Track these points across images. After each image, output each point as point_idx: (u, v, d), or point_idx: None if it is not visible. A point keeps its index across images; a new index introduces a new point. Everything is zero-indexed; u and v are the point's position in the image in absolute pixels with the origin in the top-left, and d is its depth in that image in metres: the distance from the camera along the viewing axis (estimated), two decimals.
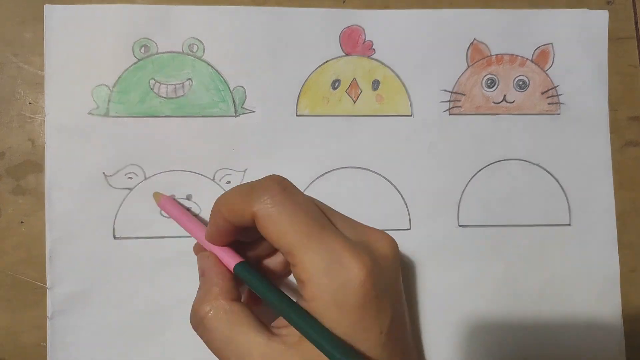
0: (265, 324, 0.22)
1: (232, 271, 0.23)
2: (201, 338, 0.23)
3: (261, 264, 0.26)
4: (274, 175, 0.22)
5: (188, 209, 0.29)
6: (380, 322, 0.21)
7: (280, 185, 0.22)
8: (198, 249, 0.26)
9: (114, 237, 0.29)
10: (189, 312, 0.29)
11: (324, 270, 0.20)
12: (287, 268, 0.25)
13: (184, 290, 0.29)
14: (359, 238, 0.22)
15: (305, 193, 0.29)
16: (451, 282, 0.30)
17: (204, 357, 0.28)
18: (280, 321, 0.22)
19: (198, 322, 0.23)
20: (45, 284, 0.29)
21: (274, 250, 0.25)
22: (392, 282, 0.22)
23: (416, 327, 0.30)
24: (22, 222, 0.29)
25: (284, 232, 0.21)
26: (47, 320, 0.28)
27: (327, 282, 0.20)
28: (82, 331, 0.28)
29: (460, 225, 0.30)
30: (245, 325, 0.22)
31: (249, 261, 0.24)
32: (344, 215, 0.23)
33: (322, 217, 0.22)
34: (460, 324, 0.30)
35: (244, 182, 0.30)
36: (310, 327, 0.20)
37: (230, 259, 0.23)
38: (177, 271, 0.29)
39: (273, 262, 0.25)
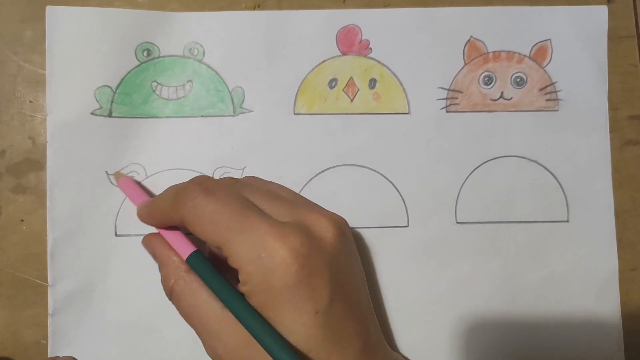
0: None
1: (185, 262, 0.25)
2: (177, 309, 0.25)
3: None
4: (197, 178, 0.25)
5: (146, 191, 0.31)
6: (316, 302, 0.22)
7: (201, 187, 0.24)
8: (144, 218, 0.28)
9: (116, 235, 0.30)
10: None
11: (250, 257, 0.22)
12: None
13: None
14: (296, 220, 0.23)
15: (303, 190, 0.31)
16: (449, 279, 0.31)
17: (203, 355, 0.30)
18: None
19: (169, 295, 0.25)
20: (46, 282, 0.30)
21: None
22: (332, 261, 0.23)
23: (413, 324, 0.31)
24: (22, 221, 0.30)
25: (209, 231, 0.23)
26: (49, 317, 0.30)
27: (254, 268, 0.22)
28: (83, 328, 0.30)
29: (458, 222, 0.31)
30: (204, 293, 0.24)
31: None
32: (288, 199, 0.25)
33: (247, 207, 0.23)
34: (458, 321, 0.31)
35: None
36: (254, 324, 0.22)
37: (183, 249, 0.25)
38: None
39: None
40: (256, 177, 0.30)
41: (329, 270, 0.23)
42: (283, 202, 0.25)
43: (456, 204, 0.32)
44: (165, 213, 0.25)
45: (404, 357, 0.30)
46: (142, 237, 0.30)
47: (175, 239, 0.26)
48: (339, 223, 0.25)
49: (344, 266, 0.24)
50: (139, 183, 0.30)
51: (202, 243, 0.25)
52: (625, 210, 0.32)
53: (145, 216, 0.27)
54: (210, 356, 0.24)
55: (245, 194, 0.25)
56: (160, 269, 0.26)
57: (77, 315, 0.30)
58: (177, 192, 0.25)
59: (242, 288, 0.23)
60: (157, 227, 0.27)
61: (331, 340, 0.22)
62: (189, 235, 0.26)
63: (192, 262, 0.25)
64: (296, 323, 0.22)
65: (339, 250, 0.24)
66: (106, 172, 0.31)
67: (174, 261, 0.25)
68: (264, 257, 0.22)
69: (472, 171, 0.32)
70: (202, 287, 0.24)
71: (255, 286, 0.22)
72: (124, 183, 0.30)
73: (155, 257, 0.27)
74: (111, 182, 0.31)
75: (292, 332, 0.22)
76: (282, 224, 0.23)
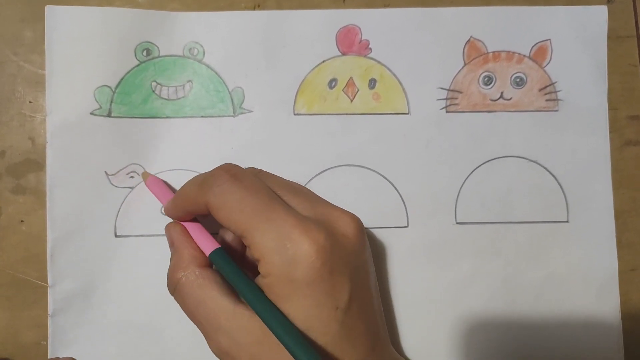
0: (235, 291, 0.24)
1: (207, 256, 0.25)
2: (178, 303, 0.25)
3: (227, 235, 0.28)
4: (224, 165, 0.25)
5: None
6: (336, 298, 0.22)
7: (228, 173, 0.24)
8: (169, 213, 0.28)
9: (115, 235, 0.30)
10: None
11: (274, 248, 0.22)
12: None
13: None
14: (318, 216, 0.24)
15: None
16: (449, 280, 0.31)
17: (204, 355, 0.30)
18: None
19: (173, 289, 0.25)
20: (46, 283, 0.30)
21: None
22: (352, 259, 0.23)
23: (413, 325, 0.31)
24: (22, 221, 0.30)
25: (234, 217, 0.23)
26: (48, 318, 0.30)
27: (278, 259, 0.22)
28: (83, 329, 0.30)
29: (457, 223, 0.31)
30: (215, 290, 0.24)
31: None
32: (308, 195, 0.25)
33: (272, 198, 0.23)
34: (458, 321, 0.31)
35: None
36: (275, 322, 0.22)
37: (206, 245, 0.25)
38: None
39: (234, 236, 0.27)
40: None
41: (350, 267, 0.23)
42: (306, 197, 0.25)
43: (456, 205, 0.32)
44: (191, 199, 0.25)
45: (405, 358, 0.30)
46: (141, 237, 0.31)
47: (199, 233, 0.26)
48: (359, 222, 0.25)
49: (362, 264, 0.24)
50: (166, 183, 0.30)
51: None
52: (625, 211, 0.32)
53: (171, 207, 0.27)
54: (214, 351, 0.24)
55: (270, 185, 0.25)
56: (172, 258, 0.26)
57: (77, 316, 0.30)
58: (204, 178, 0.24)
59: (262, 280, 0.23)
60: (182, 219, 0.27)
61: (346, 336, 0.23)
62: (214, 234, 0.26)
63: (216, 258, 0.25)
64: (315, 318, 0.22)
65: (358, 248, 0.24)
66: (106, 172, 0.31)
67: (189, 253, 0.25)
68: (289, 249, 0.22)
69: (472, 171, 0.32)
70: (213, 283, 0.24)
71: (277, 277, 0.22)
72: (151, 182, 0.30)
73: (171, 245, 0.26)
74: (111, 183, 0.31)
75: (310, 327, 0.22)
76: (307, 218, 0.23)
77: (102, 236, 0.30)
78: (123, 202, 0.31)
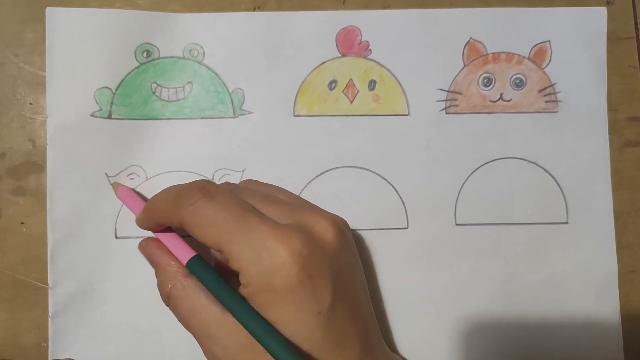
0: None
1: (185, 266, 0.25)
2: (174, 315, 0.25)
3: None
4: (196, 181, 0.25)
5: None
6: (318, 303, 0.22)
7: (201, 191, 0.24)
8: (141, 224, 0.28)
9: (116, 237, 0.30)
10: None
11: (250, 259, 0.22)
12: None
13: None
14: (296, 222, 0.24)
15: (303, 192, 0.31)
16: (448, 281, 0.31)
17: (203, 357, 0.30)
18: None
19: (166, 301, 0.25)
20: (46, 285, 0.30)
21: None
22: (333, 262, 0.23)
23: (413, 326, 0.31)
24: (22, 223, 0.31)
25: (209, 233, 0.23)
26: (49, 320, 0.30)
27: (256, 269, 0.22)
28: (83, 331, 0.30)
29: (457, 224, 0.31)
30: (202, 298, 0.24)
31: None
32: (286, 202, 0.26)
33: (247, 210, 0.24)
34: (457, 322, 0.31)
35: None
36: (256, 327, 0.22)
37: (183, 255, 0.25)
38: None
39: None
40: (255, 181, 0.30)
41: (331, 271, 0.23)
42: (282, 205, 0.25)
43: (455, 206, 0.32)
44: (164, 214, 0.25)
45: (403, 358, 0.30)
46: (141, 239, 0.31)
47: (174, 243, 0.26)
48: (339, 224, 0.25)
49: (345, 267, 0.24)
50: (138, 193, 0.30)
51: (204, 249, 0.25)
52: (624, 212, 0.32)
53: (142, 219, 0.27)
54: (207, 357, 0.24)
55: (245, 198, 0.25)
56: (157, 274, 0.26)
57: (77, 318, 0.30)
58: (177, 194, 0.25)
59: (244, 290, 0.23)
60: (154, 229, 0.27)
61: (332, 341, 0.23)
62: (187, 237, 0.26)
63: (192, 267, 0.25)
64: (298, 324, 0.22)
65: (339, 251, 0.24)
66: (106, 174, 0.31)
67: (172, 265, 0.25)
68: (265, 258, 0.22)
69: (472, 173, 0.32)
70: (200, 291, 0.24)
71: (256, 287, 0.22)
72: (122, 193, 0.30)
73: (152, 262, 0.27)
74: (111, 185, 0.31)
75: (294, 333, 0.22)
76: (283, 226, 0.23)
77: (102, 238, 0.30)
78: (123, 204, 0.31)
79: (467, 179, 0.32)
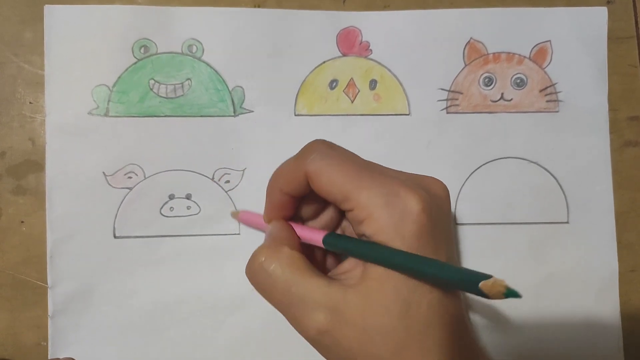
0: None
1: (322, 245, 0.24)
2: (258, 287, 0.24)
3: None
4: (318, 139, 0.25)
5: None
6: (438, 256, 0.22)
7: (325, 144, 0.24)
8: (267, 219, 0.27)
9: (114, 237, 0.30)
10: (189, 311, 0.30)
11: (383, 204, 0.22)
12: (331, 224, 0.27)
13: (184, 289, 0.30)
14: (412, 180, 0.23)
15: None
16: None
17: (203, 355, 0.30)
18: (337, 269, 0.25)
19: (258, 267, 0.24)
20: (46, 284, 0.30)
21: (316, 213, 0.27)
22: (446, 220, 0.23)
23: None
24: (22, 222, 0.30)
25: (337, 180, 0.23)
26: (48, 319, 0.30)
27: (388, 214, 0.22)
28: (82, 330, 0.30)
29: (457, 224, 0.31)
30: (308, 269, 0.23)
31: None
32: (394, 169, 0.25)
33: (371, 163, 0.24)
34: None
35: (242, 182, 0.31)
36: (422, 264, 0.21)
37: (315, 234, 0.25)
38: (176, 270, 0.30)
39: (318, 224, 0.27)
40: None
41: (446, 228, 0.23)
42: (395, 170, 0.25)
43: (456, 205, 0.32)
44: (288, 174, 0.24)
45: None
46: (140, 239, 0.31)
47: (303, 228, 0.26)
48: (447, 188, 0.25)
49: (450, 226, 0.25)
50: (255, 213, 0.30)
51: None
52: (624, 212, 0.32)
53: (268, 201, 0.26)
54: (310, 331, 0.23)
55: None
56: (266, 239, 0.25)
57: (76, 317, 0.30)
58: (302, 151, 0.24)
59: (371, 239, 0.23)
60: (277, 207, 0.26)
61: None
62: None
63: (331, 240, 0.24)
64: None
65: (449, 210, 0.24)
66: (104, 173, 0.31)
67: (284, 235, 0.25)
68: (397, 204, 0.22)
69: (473, 172, 0.32)
70: (306, 264, 0.24)
71: (387, 233, 0.22)
72: (243, 217, 0.29)
73: (268, 233, 0.26)
74: (109, 184, 0.31)
75: None
76: (408, 180, 0.23)
77: (101, 237, 0.30)
78: (121, 203, 0.30)
79: (467, 178, 0.32)
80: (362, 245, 0.23)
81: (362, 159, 0.24)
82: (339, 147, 0.24)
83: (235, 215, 0.30)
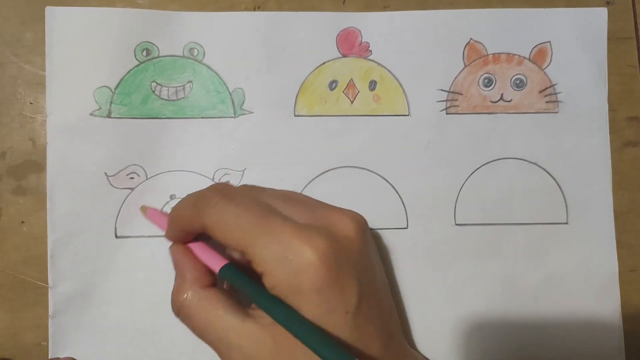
0: (241, 306, 0.24)
1: (217, 274, 0.25)
2: (184, 323, 0.25)
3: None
4: (214, 185, 0.25)
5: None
6: (345, 303, 0.22)
7: (220, 193, 0.24)
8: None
9: (116, 237, 0.30)
10: None
11: (275, 260, 0.22)
12: None
13: None
14: (318, 222, 0.23)
15: (304, 192, 0.31)
16: (448, 281, 0.31)
17: (203, 356, 0.30)
18: None
19: (177, 310, 0.25)
20: (46, 284, 0.30)
21: None
22: (358, 260, 0.23)
23: (413, 326, 0.31)
24: (22, 222, 0.30)
25: (233, 235, 0.23)
26: (49, 319, 0.30)
27: (281, 271, 0.22)
28: (83, 330, 0.30)
29: (457, 224, 0.31)
30: (220, 309, 0.23)
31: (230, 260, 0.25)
32: (305, 202, 0.25)
33: (269, 211, 0.23)
34: (457, 323, 0.31)
35: (242, 182, 0.31)
36: (296, 326, 0.21)
37: (215, 262, 0.25)
38: None
39: None
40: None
41: (356, 269, 0.23)
42: (302, 205, 0.25)
43: (455, 206, 0.32)
44: (187, 220, 0.25)
45: (420, 354, 0.30)
46: (142, 238, 0.30)
47: (205, 252, 0.26)
48: (360, 221, 0.25)
49: (368, 264, 0.24)
50: (165, 213, 0.30)
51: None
52: (624, 212, 0.32)
53: (169, 230, 0.26)
54: None
55: (264, 199, 0.25)
56: (176, 280, 0.26)
57: (77, 317, 0.30)
58: (197, 199, 0.24)
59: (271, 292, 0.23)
60: (183, 240, 0.26)
61: (358, 339, 0.22)
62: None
63: (226, 273, 0.24)
64: (327, 324, 0.22)
65: (362, 248, 0.24)
66: (105, 173, 0.31)
67: (192, 274, 0.25)
68: (291, 260, 0.22)
69: (472, 173, 0.32)
70: (218, 302, 0.24)
71: (283, 289, 0.22)
72: (151, 214, 0.29)
73: (175, 266, 0.26)
74: (110, 184, 0.31)
75: None
76: (306, 226, 0.23)
77: (102, 237, 0.30)
78: (123, 203, 0.31)
79: (467, 179, 0.32)
80: (254, 293, 0.23)
81: (261, 205, 0.23)
82: (237, 193, 0.24)
83: (144, 210, 0.30)
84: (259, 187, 0.27)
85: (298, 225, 0.23)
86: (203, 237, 0.26)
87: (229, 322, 0.23)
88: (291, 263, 0.22)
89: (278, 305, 0.22)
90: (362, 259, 0.24)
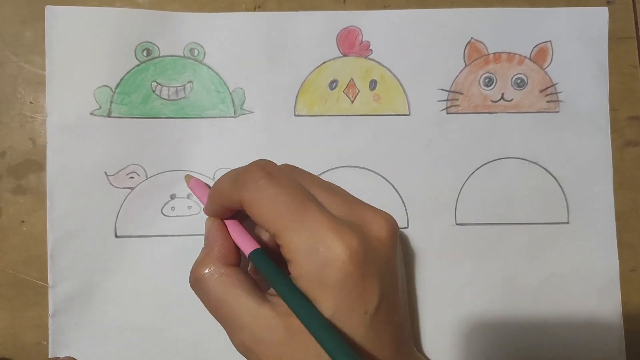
0: (259, 290, 0.24)
1: (247, 257, 0.25)
2: (198, 296, 0.25)
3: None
4: (259, 160, 0.24)
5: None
6: (366, 303, 0.22)
7: (263, 170, 0.23)
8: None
9: (116, 236, 0.30)
10: (189, 311, 0.30)
11: (306, 250, 0.21)
12: None
13: (185, 288, 0.30)
14: (352, 218, 0.23)
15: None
16: (449, 281, 0.31)
17: (204, 355, 0.30)
18: None
19: (194, 282, 0.25)
20: (46, 283, 0.30)
21: None
22: (384, 263, 0.23)
23: (414, 326, 0.31)
24: (22, 222, 0.30)
25: (268, 216, 0.22)
26: (49, 318, 0.30)
27: (309, 262, 0.21)
28: (83, 330, 0.30)
29: (457, 224, 0.31)
30: (238, 288, 0.23)
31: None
32: (343, 194, 0.25)
33: (306, 197, 0.23)
34: (458, 322, 0.31)
35: None
36: (315, 324, 0.21)
37: (247, 245, 0.25)
38: (178, 270, 0.30)
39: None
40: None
41: (380, 271, 0.23)
42: (340, 197, 0.24)
43: (456, 206, 0.31)
44: (226, 195, 0.24)
45: (427, 359, 0.30)
46: (142, 238, 0.30)
47: (239, 233, 0.25)
48: (393, 224, 0.24)
49: (392, 269, 0.24)
50: (207, 185, 0.30)
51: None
52: (625, 212, 0.32)
53: (208, 204, 0.26)
54: (237, 346, 0.24)
55: (304, 184, 0.24)
56: (202, 251, 0.25)
57: (77, 317, 0.30)
58: (239, 174, 0.24)
59: (295, 282, 0.23)
60: (221, 215, 0.26)
61: (372, 341, 0.22)
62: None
63: (255, 258, 0.24)
64: (344, 322, 0.22)
65: (391, 251, 0.24)
66: (105, 173, 0.31)
67: (219, 250, 0.25)
68: (321, 251, 0.21)
69: (472, 172, 0.32)
70: (237, 282, 0.24)
71: (307, 280, 0.22)
72: (194, 185, 0.29)
73: (206, 238, 0.26)
74: (110, 184, 0.31)
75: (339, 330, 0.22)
76: (340, 220, 0.22)
77: (102, 237, 0.30)
78: (123, 202, 0.30)
79: (467, 178, 0.32)
80: (278, 282, 0.23)
81: (301, 190, 0.23)
82: (279, 173, 0.23)
83: (188, 179, 0.30)
84: (299, 169, 0.26)
85: (333, 218, 0.22)
86: (240, 216, 0.26)
87: (245, 303, 0.23)
88: (320, 255, 0.21)
89: (300, 300, 0.22)
90: (389, 262, 0.23)
